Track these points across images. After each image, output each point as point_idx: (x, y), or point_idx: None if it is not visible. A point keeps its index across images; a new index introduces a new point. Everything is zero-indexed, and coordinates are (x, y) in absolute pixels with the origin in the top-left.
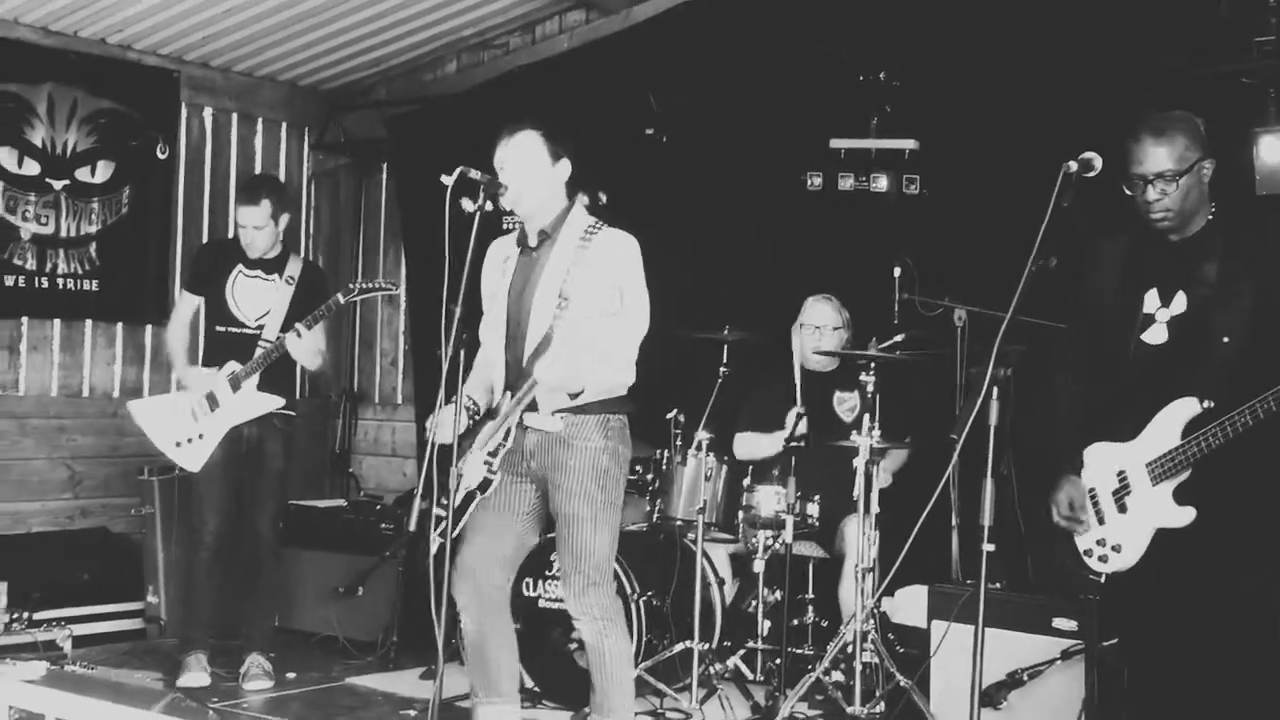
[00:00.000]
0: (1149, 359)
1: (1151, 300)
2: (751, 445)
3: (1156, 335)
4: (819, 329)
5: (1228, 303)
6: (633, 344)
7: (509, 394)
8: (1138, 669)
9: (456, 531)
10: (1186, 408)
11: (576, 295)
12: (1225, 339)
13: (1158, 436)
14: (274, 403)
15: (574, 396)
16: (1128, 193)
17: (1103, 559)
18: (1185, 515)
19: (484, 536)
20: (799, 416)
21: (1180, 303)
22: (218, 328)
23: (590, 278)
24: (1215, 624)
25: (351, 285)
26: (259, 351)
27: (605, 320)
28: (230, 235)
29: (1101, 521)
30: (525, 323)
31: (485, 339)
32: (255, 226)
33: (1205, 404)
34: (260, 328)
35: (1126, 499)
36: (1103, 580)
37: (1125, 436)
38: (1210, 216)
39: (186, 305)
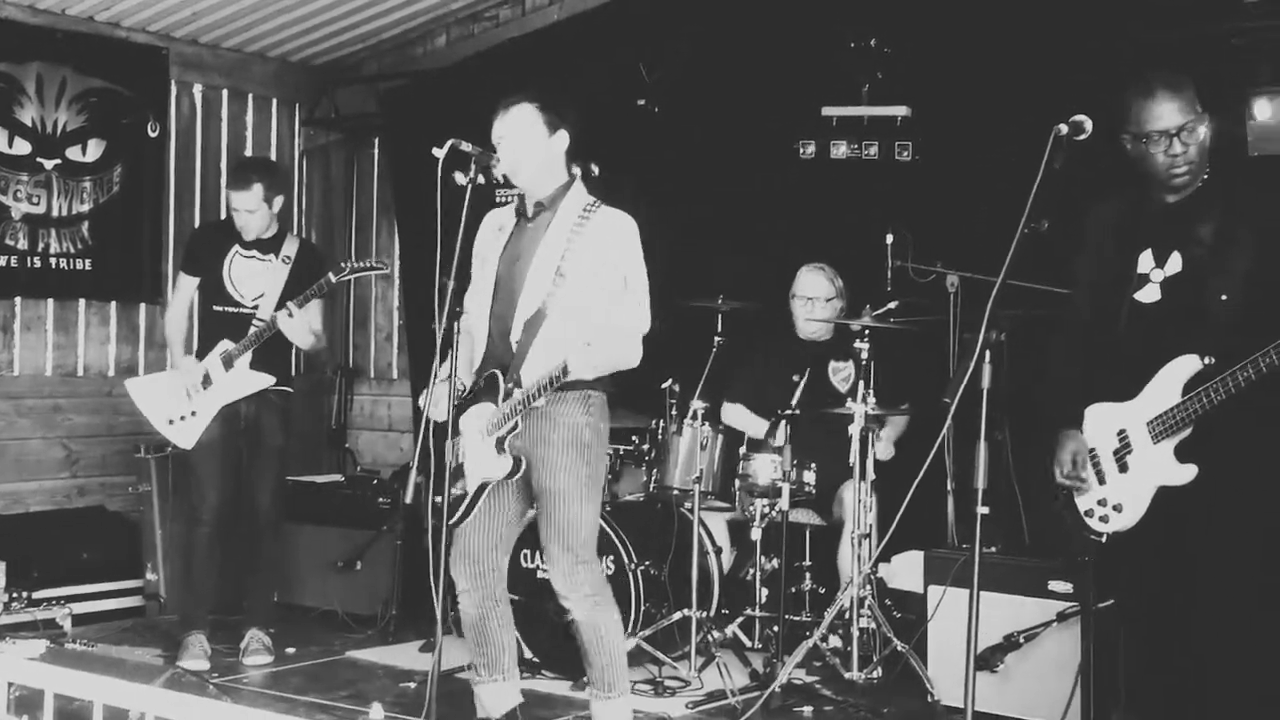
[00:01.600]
0: (1141, 318)
1: (1146, 261)
2: (740, 419)
3: (1149, 295)
4: (811, 300)
5: (1225, 262)
6: (643, 323)
7: (501, 374)
8: (1136, 629)
9: (468, 519)
10: (1187, 365)
11: (573, 272)
12: (1223, 297)
13: (1158, 394)
14: (265, 381)
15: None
16: (1150, 151)
17: (1104, 519)
18: (1187, 473)
19: (479, 521)
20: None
21: (1175, 263)
22: (215, 307)
23: (588, 256)
24: (1215, 582)
25: (343, 264)
26: (252, 330)
27: (615, 303)
28: (224, 216)
29: (1102, 481)
30: (517, 293)
31: (470, 307)
32: (248, 210)
33: (1206, 360)
34: (256, 307)
35: (1128, 458)
36: (1103, 540)
37: (1122, 396)
38: (1206, 177)
39: (185, 288)
